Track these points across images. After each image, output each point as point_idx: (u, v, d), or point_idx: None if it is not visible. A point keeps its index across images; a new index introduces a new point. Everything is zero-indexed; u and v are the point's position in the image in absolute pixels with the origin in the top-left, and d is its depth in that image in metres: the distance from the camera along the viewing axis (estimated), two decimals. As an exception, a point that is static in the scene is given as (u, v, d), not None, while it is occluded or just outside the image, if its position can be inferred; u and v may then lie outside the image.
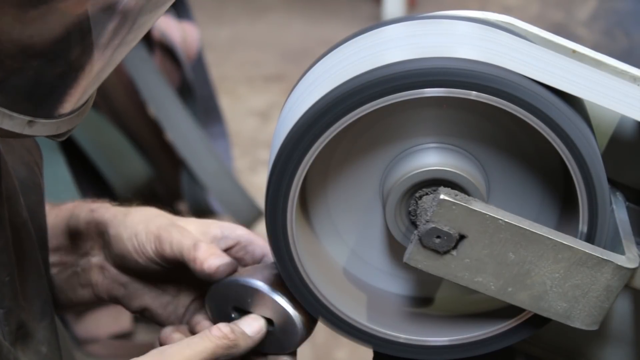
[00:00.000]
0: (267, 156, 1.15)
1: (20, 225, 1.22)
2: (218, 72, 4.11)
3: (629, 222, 1.14)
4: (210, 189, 3.02)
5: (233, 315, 1.19)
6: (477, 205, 1.07)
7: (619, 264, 1.07)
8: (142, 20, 1.03)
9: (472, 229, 1.07)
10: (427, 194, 1.12)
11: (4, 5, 0.95)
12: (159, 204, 1.35)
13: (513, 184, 1.15)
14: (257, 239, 1.29)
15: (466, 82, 1.05)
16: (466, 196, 1.09)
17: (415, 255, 1.09)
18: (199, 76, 3.24)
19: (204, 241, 1.23)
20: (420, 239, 1.08)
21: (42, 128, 1.02)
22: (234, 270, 1.21)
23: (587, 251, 1.07)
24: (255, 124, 4.49)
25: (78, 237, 1.32)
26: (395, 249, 1.19)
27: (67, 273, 1.34)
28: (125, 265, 1.29)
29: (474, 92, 1.05)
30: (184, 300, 1.30)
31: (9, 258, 1.18)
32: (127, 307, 1.32)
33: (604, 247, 1.09)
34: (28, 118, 1.01)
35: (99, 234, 1.30)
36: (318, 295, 1.15)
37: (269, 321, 1.18)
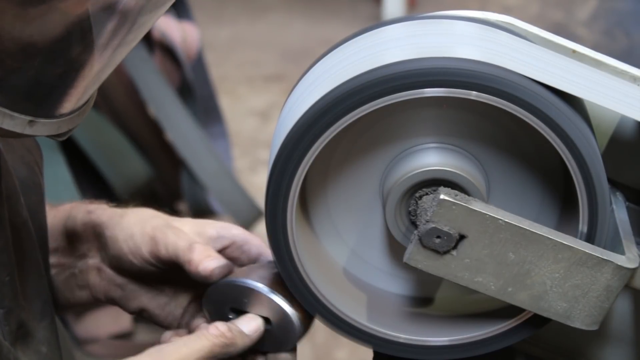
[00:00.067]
0: (267, 156, 1.15)
1: (21, 225, 1.22)
2: (218, 72, 4.11)
3: (629, 222, 1.14)
4: (210, 189, 3.02)
5: (230, 316, 1.19)
6: (477, 205, 1.07)
7: (619, 264, 1.07)
8: (142, 20, 1.03)
9: (472, 229, 1.07)
10: (427, 194, 1.12)
11: (4, 5, 0.94)
12: (159, 204, 1.35)
13: (513, 184, 1.15)
14: (253, 238, 1.29)
15: (466, 82, 1.05)
16: (466, 196, 1.09)
17: (415, 255, 1.09)
18: (199, 76, 3.24)
19: (199, 242, 1.23)
20: (420, 239, 1.08)
21: (42, 128, 1.02)
22: (230, 272, 1.21)
23: (587, 251, 1.07)
24: (255, 124, 4.49)
25: (75, 238, 1.32)
26: (395, 249, 1.19)
27: (64, 275, 1.34)
28: (122, 266, 1.29)
29: (474, 92, 1.05)
30: (181, 300, 1.30)
31: (9, 258, 1.18)
32: (124, 308, 1.32)
33: (604, 247, 1.09)
34: (29, 118, 1.01)
35: (96, 235, 1.30)
36: (318, 295, 1.15)
37: (266, 320, 1.18)
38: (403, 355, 1.17)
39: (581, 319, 1.09)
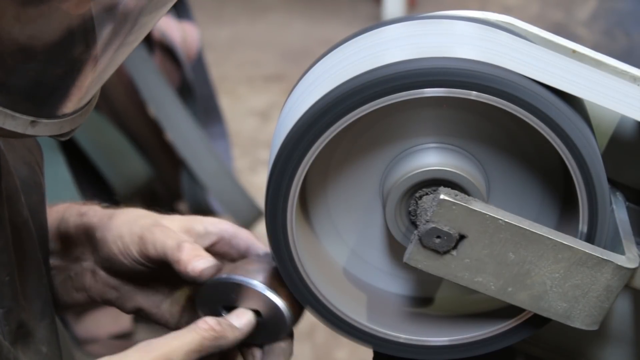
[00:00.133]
0: (267, 156, 1.15)
1: (21, 224, 1.23)
2: (218, 72, 4.11)
3: (629, 222, 1.14)
4: (210, 189, 3.02)
5: (223, 314, 1.19)
6: (477, 205, 1.07)
7: (619, 264, 1.07)
8: (143, 21, 1.03)
9: (472, 229, 1.07)
10: (427, 194, 1.12)
11: (6, 5, 0.95)
12: (159, 204, 1.35)
13: (513, 184, 1.15)
14: (241, 231, 1.29)
15: (466, 82, 1.05)
16: (466, 196, 1.09)
17: (415, 255, 1.09)
18: (199, 76, 3.24)
19: (187, 241, 1.23)
20: (420, 239, 1.08)
21: (44, 128, 1.02)
22: (219, 270, 1.22)
23: (587, 251, 1.07)
24: (255, 124, 4.49)
25: (69, 242, 1.33)
26: (395, 249, 1.19)
27: (61, 277, 1.34)
28: (114, 268, 1.29)
29: (474, 92, 1.05)
30: (177, 297, 1.30)
31: (9, 258, 1.18)
32: (121, 308, 1.33)
33: (604, 247, 1.09)
34: (30, 118, 1.01)
35: (88, 238, 1.31)
36: (318, 295, 1.15)
37: (257, 313, 1.18)
38: (403, 355, 1.17)
39: (581, 319, 1.09)
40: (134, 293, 1.31)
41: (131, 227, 1.26)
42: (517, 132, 1.12)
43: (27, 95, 1.00)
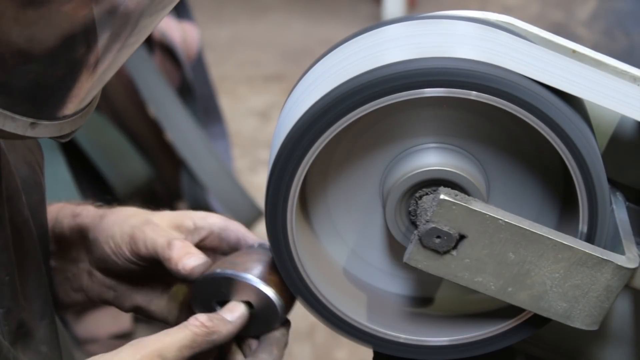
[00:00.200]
0: (267, 156, 1.15)
1: (22, 224, 1.23)
2: (218, 72, 4.11)
3: (629, 222, 1.14)
4: (210, 189, 3.02)
5: (217, 309, 1.20)
6: (477, 205, 1.07)
7: (619, 264, 1.07)
8: (144, 22, 1.03)
9: (472, 229, 1.07)
10: (427, 194, 1.12)
11: (5, 7, 0.94)
12: (159, 204, 1.35)
13: (513, 184, 1.15)
14: (231, 224, 1.29)
15: (466, 82, 1.05)
16: (466, 196, 1.09)
17: (415, 255, 1.09)
18: (199, 76, 3.24)
19: (177, 238, 1.23)
20: (420, 239, 1.08)
21: (44, 130, 1.02)
22: (210, 266, 1.22)
23: (587, 251, 1.07)
24: (255, 124, 4.49)
25: (64, 243, 1.33)
26: (395, 249, 1.19)
27: (59, 278, 1.34)
28: (108, 268, 1.29)
29: (474, 92, 1.05)
30: (174, 293, 1.31)
31: (8, 258, 1.18)
32: (119, 307, 1.33)
33: (604, 247, 1.09)
34: (30, 120, 1.01)
35: (82, 239, 1.31)
36: (318, 295, 1.15)
37: (250, 305, 1.18)
38: (403, 355, 1.17)
39: (581, 319, 1.09)
40: (130, 292, 1.31)
41: (122, 227, 1.26)
42: (517, 132, 1.12)
43: (27, 97, 1.00)
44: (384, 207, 1.14)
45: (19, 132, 1.01)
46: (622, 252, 1.08)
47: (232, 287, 1.18)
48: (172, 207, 3.08)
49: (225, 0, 5.71)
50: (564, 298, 1.08)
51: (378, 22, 1.17)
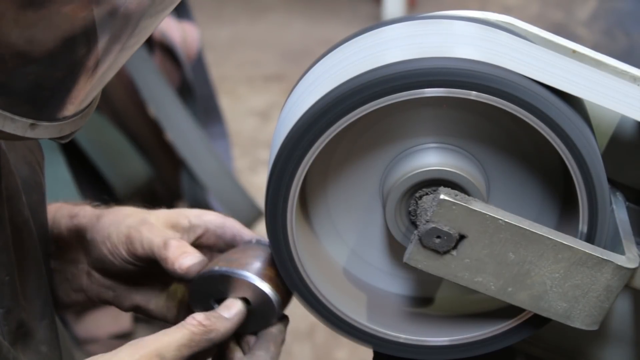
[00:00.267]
0: (267, 156, 1.15)
1: (22, 224, 1.23)
2: (218, 72, 4.11)
3: (629, 222, 1.14)
4: (210, 189, 3.02)
5: (215, 307, 1.20)
6: (477, 205, 1.07)
7: (619, 264, 1.07)
8: (144, 24, 1.03)
9: (472, 229, 1.07)
10: (427, 194, 1.12)
11: (6, 8, 0.94)
12: (159, 204, 1.35)
13: (513, 184, 1.15)
14: (227, 221, 1.29)
15: (466, 82, 1.05)
16: (466, 196, 1.09)
17: (415, 255, 1.09)
18: (199, 76, 3.24)
19: (173, 238, 1.24)
20: (420, 239, 1.08)
21: (44, 131, 1.02)
22: (206, 265, 1.22)
23: (587, 251, 1.07)
24: (255, 124, 4.49)
25: (63, 244, 1.33)
26: (395, 249, 1.19)
27: (59, 278, 1.35)
28: (106, 268, 1.29)
29: (474, 92, 1.05)
30: (173, 291, 1.31)
31: (8, 258, 1.18)
32: (119, 307, 1.33)
33: (604, 247, 1.09)
34: (30, 121, 1.01)
35: (80, 240, 1.31)
36: (318, 295, 1.15)
37: (246, 301, 1.19)
38: (403, 355, 1.17)
39: (581, 319, 1.09)
40: (129, 291, 1.31)
41: (118, 227, 1.27)
42: (517, 132, 1.12)
43: (26, 98, 1.00)
44: (384, 207, 1.14)
45: (19, 133, 1.01)
46: (622, 252, 1.08)
47: (228, 285, 1.18)
48: (172, 207, 3.08)
49: (225, 0, 5.71)
50: (564, 298, 1.08)
51: (378, 22, 1.17)
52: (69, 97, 1.03)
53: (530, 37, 1.16)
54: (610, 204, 1.10)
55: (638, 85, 1.14)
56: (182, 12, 3.21)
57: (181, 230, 1.28)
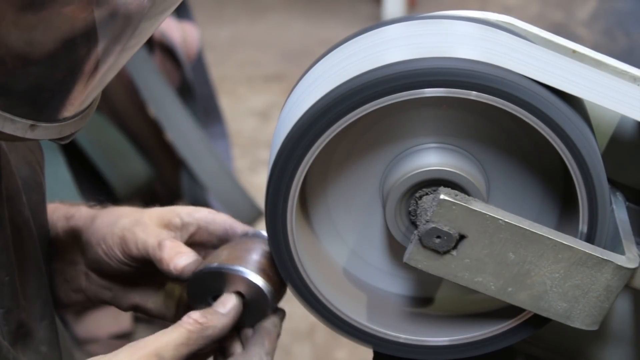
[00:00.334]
0: (267, 156, 1.16)
1: (22, 224, 1.23)
2: (218, 72, 4.11)
3: (629, 222, 1.14)
4: (210, 189, 3.02)
5: (212, 304, 1.20)
6: (477, 205, 1.07)
7: (619, 264, 1.07)
8: (144, 25, 1.03)
9: (472, 229, 1.07)
10: (427, 194, 1.12)
11: (5, 9, 0.94)
12: (159, 204, 1.35)
13: (513, 184, 1.15)
14: (218, 216, 1.29)
15: (466, 82, 1.05)
16: (466, 196, 1.09)
17: (415, 255, 1.09)
18: (199, 76, 3.24)
19: (167, 238, 1.24)
20: (420, 239, 1.08)
21: (44, 132, 1.02)
22: (201, 263, 1.22)
23: (587, 251, 1.07)
24: (255, 124, 4.49)
25: (60, 246, 1.33)
26: (395, 249, 1.19)
27: (58, 279, 1.35)
28: (102, 269, 1.30)
29: (474, 92, 1.05)
30: (170, 290, 1.31)
31: (8, 258, 1.18)
32: (118, 307, 1.34)
33: (604, 247, 1.09)
34: (30, 122, 1.01)
35: (76, 242, 1.31)
36: (318, 295, 1.15)
37: (241, 296, 1.19)
38: (403, 355, 1.17)
39: (581, 319, 1.09)
40: (127, 291, 1.31)
41: (112, 229, 1.27)
42: (517, 132, 1.12)
43: (26, 99, 1.00)
44: (384, 207, 1.14)
45: (19, 134, 1.01)
46: (622, 252, 1.08)
47: (222, 280, 1.19)
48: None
49: (225, 0, 5.71)
50: (564, 298, 1.08)
51: (378, 22, 1.17)
52: (69, 98, 1.03)
53: (530, 37, 1.16)
54: (610, 204, 1.10)
55: (638, 85, 1.14)
56: (182, 12, 3.21)
57: (174, 228, 1.28)
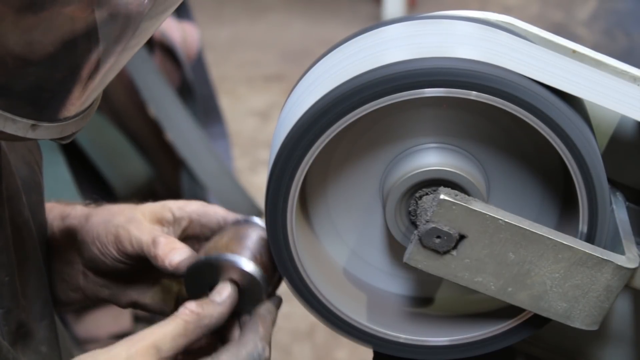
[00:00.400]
0: (267, 156, 1.16)
1: (22, 224, 1.23)
2: (218, 72, 4.11)
3: (629, 222, 1.14)
4: (210, 189, 3.02)
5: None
6: (477, 205, 1.07)
7: (619, 264, 1.07)
8: (145, 25, 1.03)
9: (472, 229, 1.07)
10: (427, 194, 1.12)
11: (6, 10, 0.94)
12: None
13: (513, 184, 1.15)
14: (210, 208, 1.29)
15: (466, 82, 1.05)
16: (466, 196, 1.09)
17: (415, 255, 1.09)
18: (199, 76, 3.23)
19: (161, 234, 1.24)
20: (420, 239, 1.08)
21: (45, 132, 1.03)
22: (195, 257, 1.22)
23: (587, 251, 1.07)
24: (255, 124, 4.49)
25: (57, 245, 1.33)
26: (395, 249, 1.19)
27: (56, 279, 1.35)
28: (98, 268, 1.30)
29: (474, 92, 1.05)
30: (168, 285, 1.31)
31: (8, 258, 1.18)
32: (117, 304, 1.34)
33: (604, 247, 1.09)
34: (31, 122, 1.01)
35: (72, 241, 1.31)
36: (318, 295, 1.15)
37: (236, 284, 1.19)
38: (403, 355, 1.17)
39: (581, 319, 1.09)
40: (124, 288, 1.32)
41: (106, 227, 1.27)
42: (517, 132, 1.12)
43: (27, 99, 1.00)
44: (384, 207, 1.14)
45: (20, 134, 1.01)
46: (622, 252, 1.08)
47: (216, 270, 1.19)
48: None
49: (225, 0, 5.72)
50: (564, 298, 1.08)
51: (378, 22, 1.17)
52: (70, 98, 1.03)
53: (530, 37, 1.16)
54: (610, 204, 1.10)
55: (638, 85, 1.14)
56: (182, 12, 3.21)
57: (166, 224, 1.28)
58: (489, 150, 1.14)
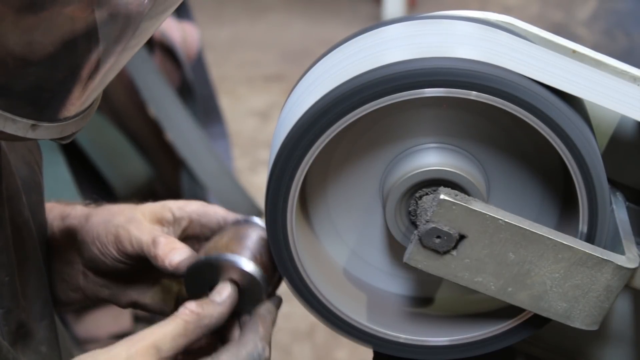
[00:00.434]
0: (267, 156, 1.16)
1: (22, 224, 1.23)
2: (218, 72, 4.11)
3: (629, 222, 1.14)
4: (210, 189, 3.02)
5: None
6: (477, 205, 1.07)
7: (619, 264, 1.07)
8: (145, 25, 1.03)
9: (472, 229, 1.07)
10: (427, 194, 1.12)
11: (6, 10, 0.95)
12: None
13: (513, 184, 1.15)
14: (210, 208, 1.29)
15: (466, 82, 1.05)
16: (466, 196, 1.09)
17: (415, 255, 1.09)
18: (199, 76, 3.24)
19: (161, 235, 1.24)
20: (420, 239, 1.08)
21: (45, 132, 1.03)
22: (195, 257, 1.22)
23: (587, 251, 1.07)
24: (255, 124, 4.49)
25: (57, 245, 1.33)
26: (395, 249, 1.19)
27: (56, 279, 1.35)
28: (98, 268, 1.30)
29: (474, 92, 1.05)
30: (168, 285, 1.31)
31: (8, 258, 1.18)
32: (117, 304, 1.34)
33: (604, 247, 1.09)
34: (31, 122, 1.01)
35: (72, 242, 1.31)
36: (318, 295, 1.15)
37: (236, 284, 1.19)
38: (403, 355, 1.17)
39: (581, 319, 1.09)
40: (124, 288, 1.32)
41: (106, 227, 1.27)
42: (517, 132, 1.12)
43: (28, 99, 1.00)
44: (384, 207, 1.14)
45: (20, 134, 1.01)
46: (622, 252, 1.08)
47: (216, 270, 1.19)
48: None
49: (225, 0, 5.72)
50: (564, 298, 1.08)
51: (378, 22, 1.17)
52: (70, 98, 1.03)
53: (530, 37, 1.16)
54: (610, 204, 1.10)
55: (638, 85, 1.14)
56: (182, 12, 3.21)
57: (166, 224, 1.28)
58: (489, 150, 1.14)
